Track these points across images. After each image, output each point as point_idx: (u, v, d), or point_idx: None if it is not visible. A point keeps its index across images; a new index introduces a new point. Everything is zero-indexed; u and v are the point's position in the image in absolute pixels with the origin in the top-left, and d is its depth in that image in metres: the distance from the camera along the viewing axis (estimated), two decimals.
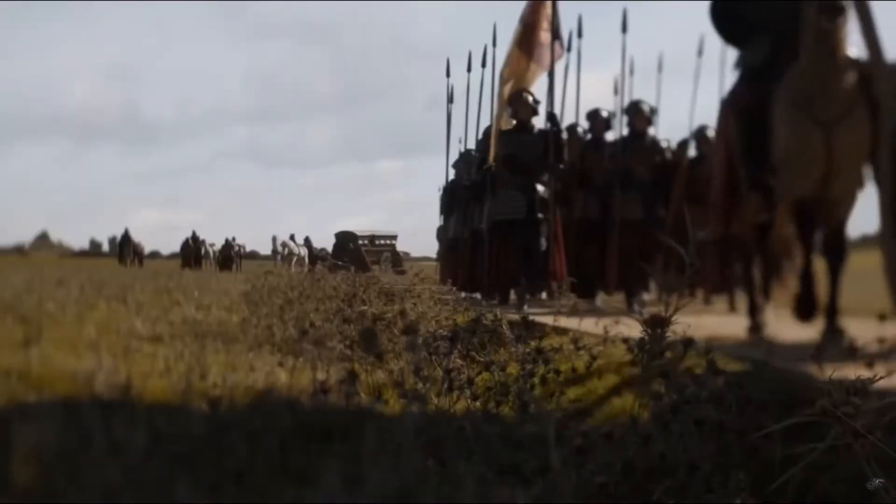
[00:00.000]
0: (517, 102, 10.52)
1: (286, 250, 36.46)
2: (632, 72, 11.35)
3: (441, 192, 16.00)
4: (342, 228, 40.31)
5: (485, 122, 14.41)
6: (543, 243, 9.98)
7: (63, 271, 16.55)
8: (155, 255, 52.52)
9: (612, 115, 10.97)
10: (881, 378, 1.89)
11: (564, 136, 10.74)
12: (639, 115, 10.48)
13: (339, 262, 33.62)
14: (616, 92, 11.38)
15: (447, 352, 3.75)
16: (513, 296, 10.67)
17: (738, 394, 2.48)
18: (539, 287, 10.19)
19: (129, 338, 5.23)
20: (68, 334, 5.25)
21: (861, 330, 4.89)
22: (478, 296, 12.37)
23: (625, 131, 10.65)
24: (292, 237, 37.79)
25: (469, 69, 15.09)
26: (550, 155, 10.20)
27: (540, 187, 10.21)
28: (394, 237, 40.47)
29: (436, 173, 24.25)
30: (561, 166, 10.40)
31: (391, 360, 4.32)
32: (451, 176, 19.12)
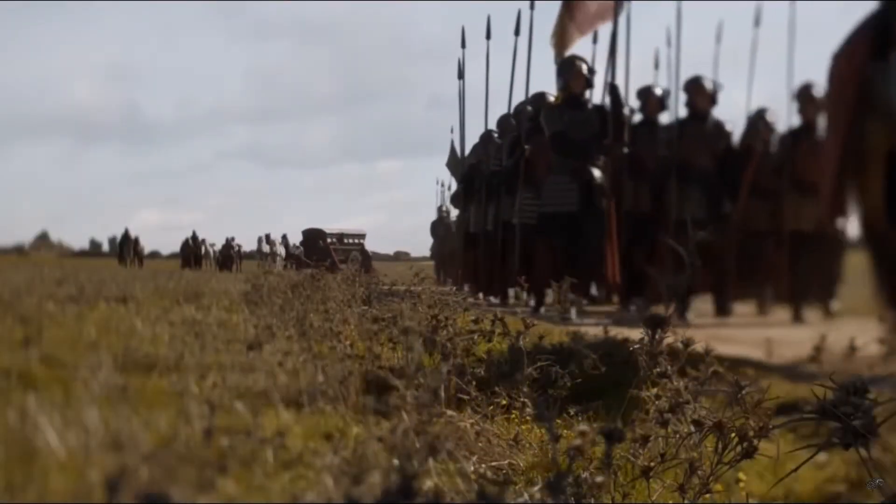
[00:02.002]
0: (568, 72, 8.91)
1: (272, 249, 36.17)
2: (669, 43, 9.20)
3: (458, 176, 14.13)
4: (317, 227, 39.55)
5: (495, 105, 13.39)
6: (598, 241, 8.40)
7: (63, 271, 16.54)
8: (155, 255, 52.47)
9: (666, 92, 9.18)
10: (881, 378, 1.89)
11: (627, 111, 8.97)
12: (700, 93, 8.73)
13: (308, 260, 33.24)
14: (656, 66, 9.73)
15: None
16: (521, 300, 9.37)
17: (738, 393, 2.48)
18: (586, 292, 8.51)
19: (128, 337, 5.23)
20: (68, 334, 5.24)
21: (861, 330, 4.89)
22: (484, 298, 11.42)
23: (682, 112, 8.87)
24: (284, 237, 37.58)
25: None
26: (609, 134, 8.57)
27: (596, 172, 8.56)
28: (362, 236, 39.88)
29: (436, 173, 24.09)
30: (624, 149, 8.70)
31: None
32: (445, 172, 18.31)
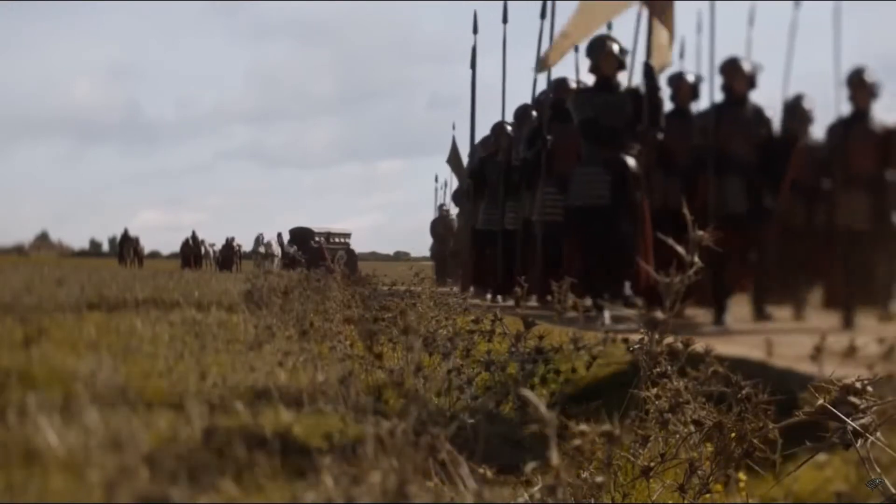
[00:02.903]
0: (598, 52, 8.09)
1: (269, 249, 35.89)
2: (700, 28, 8.55)
3: (461, 173, 13.27)
4: (311, 227, 39.00)
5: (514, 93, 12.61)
6: (632, 237, 7.68)
7: (63, 271, 16.54)
8: (155, 255, 52.50)
9: (699, 79, 8.47)
10: (881, 378, 1.89)
11: (662, 95, 8.18)
12: (737, 76, 7.92)
13: (299, 260, 32.99)
14: (682, 54, 9.03)
15: None
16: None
17: (738, 394, 2.48)
18: (620, 292, 7.74)
19: (129, 337, 5.23)
20: (68, 334, 5.24)
21: (862, 330, 4.88)
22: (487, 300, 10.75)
23: (713, 97, 7.93)
24: (279, 236, 37.30)
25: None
26: (644, 119, 7.82)
27: (630, 161, 7.78)
28: (348, 235, 39.46)
29: (436, 172, 23.93)
30: (659, 136, 7.99)
31: None
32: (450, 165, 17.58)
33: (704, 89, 8.27)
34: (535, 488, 1.96)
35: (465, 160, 17.15)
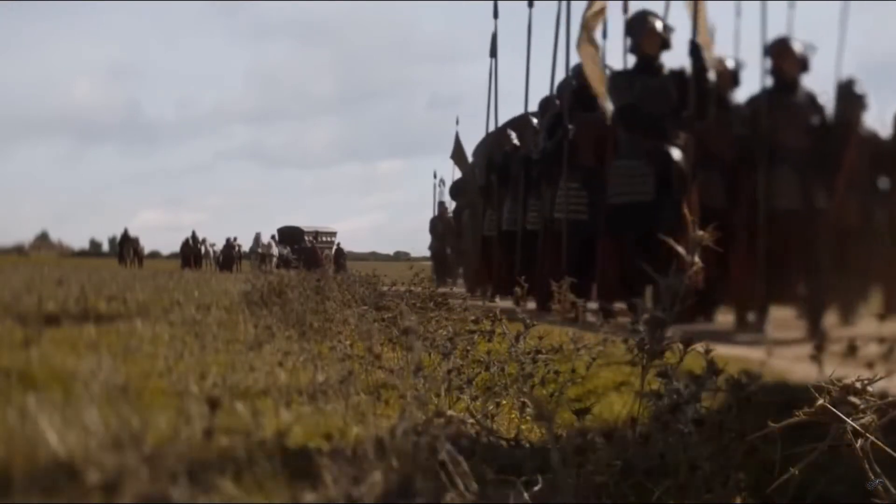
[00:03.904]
0: (639, 30, 7.33)
1: (269, 249, 35.82)
2: (739, 12, 7.67)
3: (483, 167, 12.30)
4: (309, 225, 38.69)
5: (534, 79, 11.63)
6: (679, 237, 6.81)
7: (63, 271, 16.54)
8: (155, 255, 52.53)
9: (740, 65, 7.75)
10: (881, 378, 1.89)
11: (711, 77, 7.33)
12: (788, 57, 7.05)
13: (290, 260, 32.92)
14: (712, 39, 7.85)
15: None
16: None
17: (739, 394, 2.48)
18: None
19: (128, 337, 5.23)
20: (68, 334, 5.24)
21: (861, 330, 4.89)
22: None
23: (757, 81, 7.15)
24: (273, 237, 37.16)
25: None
26: (690, 105, 7.01)
27: (674, 153, 6.94)
28: (333, 234, 39.28)
29: (435, 170, 23.82)
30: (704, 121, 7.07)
31: None
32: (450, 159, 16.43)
33: (748, 74, 7.56)
34: (536, 488, 1.96)
35: (469, 156, 16.93)
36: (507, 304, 9.84)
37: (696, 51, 7.15)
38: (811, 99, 7.15)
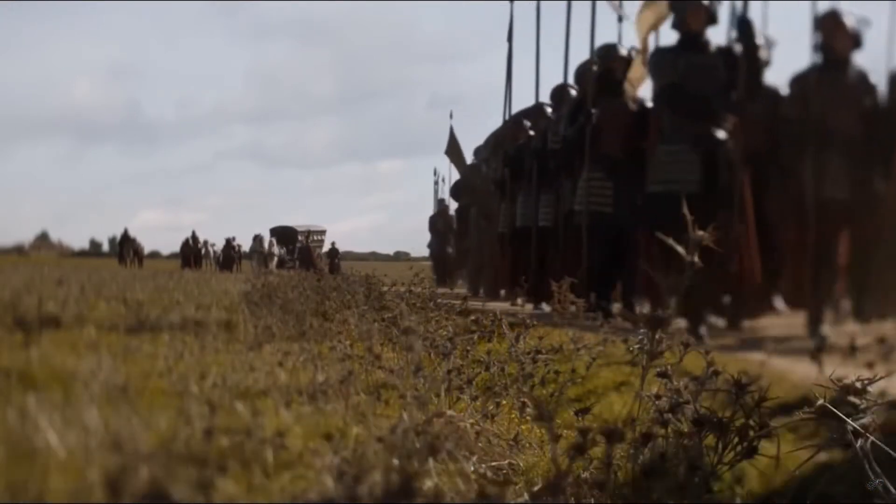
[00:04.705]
0: (684, 3, 6.73)
1: (270, 249, 35.62)
2: None
3: (500, 159, 11.60)
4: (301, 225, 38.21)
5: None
6: (729, 230, 5.97)
7: (63, 271, 16.54)
8: (155, 255, 52.56)
9: (770, 43, 7.22)
10: (881, 378, 1.89)
11: (764, 55, 6.89)
12: (839, 32, 6.45)
13: (285, 260, 32.71)
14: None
15: None
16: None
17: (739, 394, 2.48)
18: (716, 300, 6.46)
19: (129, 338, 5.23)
20: (68, 334, 5.24)
21: (862, 330, 4.88)
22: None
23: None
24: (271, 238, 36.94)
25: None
26: (739, 84, 6.48)
27: (723, 137, 6.37)
28: (323, 232, 38.86)
29: (435, 167, 23.70)
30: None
31: None
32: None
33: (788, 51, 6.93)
34: (535, 488, 1.96)
35: (464, 152, 16.68)
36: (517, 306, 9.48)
37: (746, 26, 6.72)
38: (863, 78, 6.58)
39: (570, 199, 8.40)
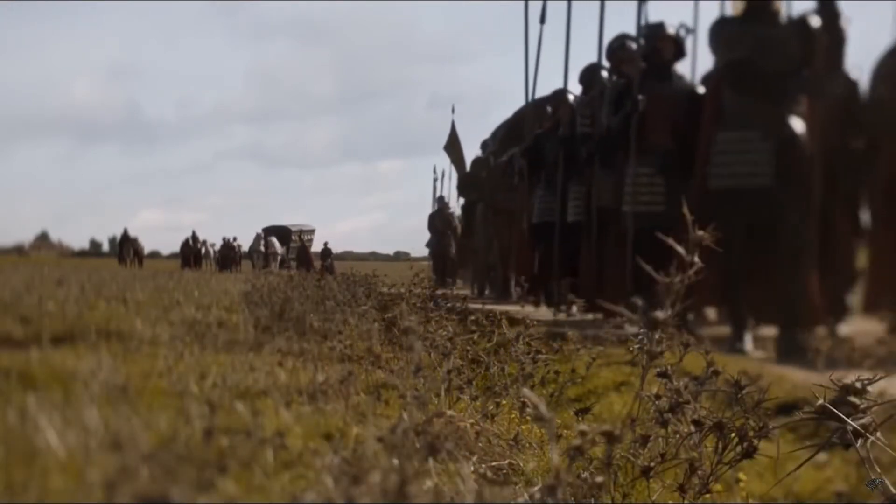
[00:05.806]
0: None
1: (271, 248, 35.37)
2: None
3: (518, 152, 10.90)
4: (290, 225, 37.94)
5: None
6: (805, 229, 5.41)
7: (63, 271, 16.53)
8: (155, 255, 52.57)
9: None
10: (881, 378, 1.89)
11: (844, 27, 6.14)
12: None
13: (285, 260, 32.58)
14: None
15: None
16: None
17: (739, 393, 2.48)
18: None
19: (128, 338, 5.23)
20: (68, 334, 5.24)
21: (861, 330, 4.88)
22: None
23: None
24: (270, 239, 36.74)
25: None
26: (817, 63, 5.61)
27: (796, 123, 5.57)
28: (312, 231, 38.68)
29: (435, 164, 23.38)
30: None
31: None
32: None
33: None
34: (535, 488, 1.96)
35: (464, 149, 16.26)
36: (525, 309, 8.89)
37: None
38: None
39: (607, 195, 7.68)
